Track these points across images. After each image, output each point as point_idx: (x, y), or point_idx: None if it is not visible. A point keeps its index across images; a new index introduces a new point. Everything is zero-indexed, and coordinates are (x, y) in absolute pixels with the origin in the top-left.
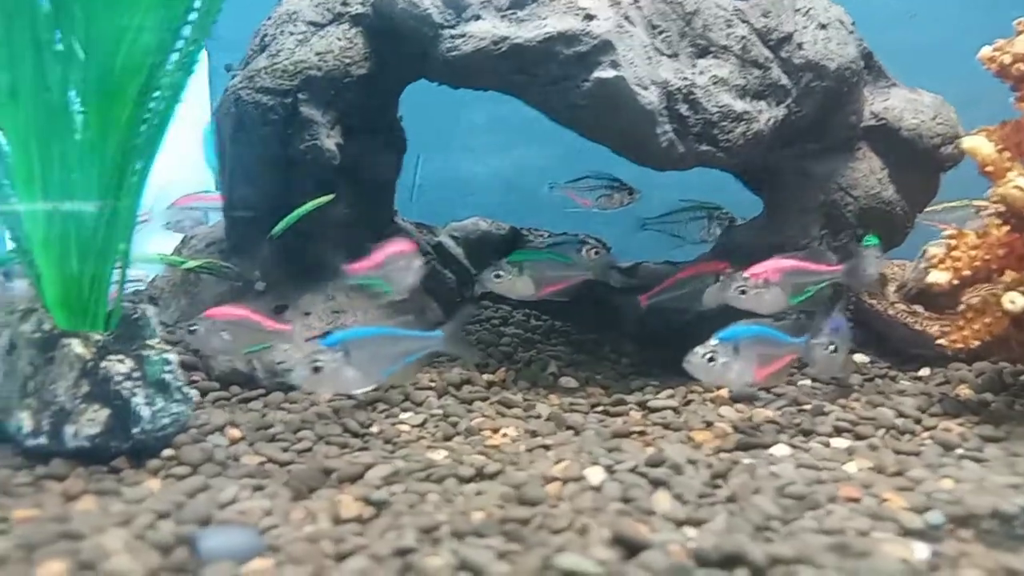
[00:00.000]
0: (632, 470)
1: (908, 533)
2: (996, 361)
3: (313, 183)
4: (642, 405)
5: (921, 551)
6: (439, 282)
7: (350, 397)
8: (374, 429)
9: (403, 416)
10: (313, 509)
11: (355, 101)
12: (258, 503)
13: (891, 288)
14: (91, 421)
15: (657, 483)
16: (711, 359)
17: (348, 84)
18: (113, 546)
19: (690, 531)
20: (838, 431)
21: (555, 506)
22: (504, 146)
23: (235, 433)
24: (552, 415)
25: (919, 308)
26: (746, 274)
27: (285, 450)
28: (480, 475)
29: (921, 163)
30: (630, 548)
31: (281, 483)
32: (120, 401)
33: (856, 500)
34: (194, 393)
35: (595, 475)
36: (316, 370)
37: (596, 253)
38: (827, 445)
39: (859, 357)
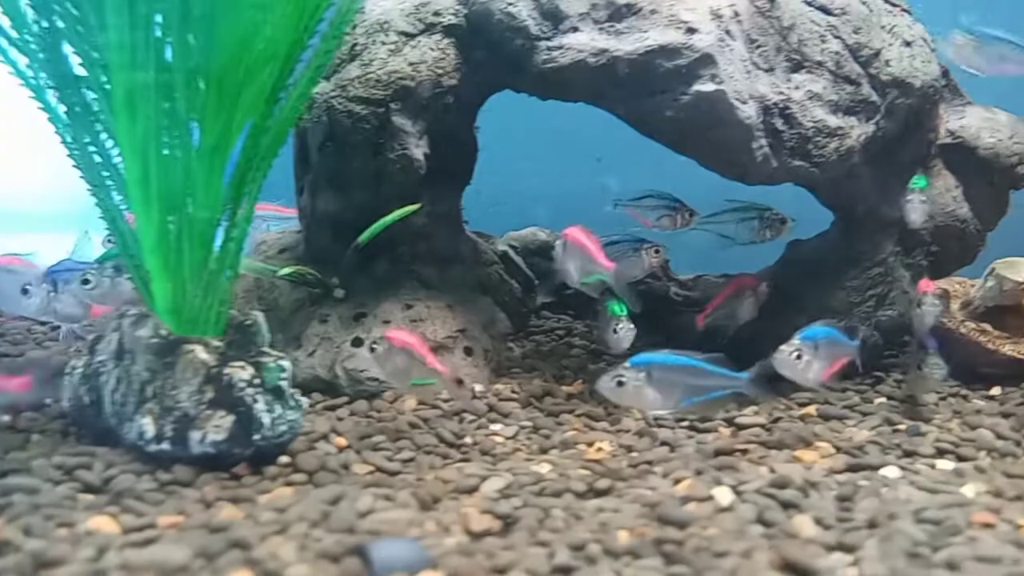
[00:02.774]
0: (758, 491)
1: None
2: None
3: (399, 192)
4: (729, 421)
5: None
6: (507, 292)
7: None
8: (468, 440)
9: (494, 427)
10: (444, 521)
11: (441, 111)
12: (396, 514)
13: (955, 305)
14: (217, 428)
15: (788, 505)
16: (798, 356)
17: (438, 94)
18: (287, 555)
19: (845, 557)
20: (940, 452)
21: (705, 528)
22: (527, 154)
23: (341, 441)
24: (641, 430)
25: (987, 326)
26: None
27: (390, 459)
28: (592, 491)
29: (995, 182)
30: (799, 574)
31: (407, 493)
32: (244, 408)
33: (991, 526)
34: (305, 400)
35: (723, 495)
36: (619, 384)
37: (656, 252)
38: (933, 467)
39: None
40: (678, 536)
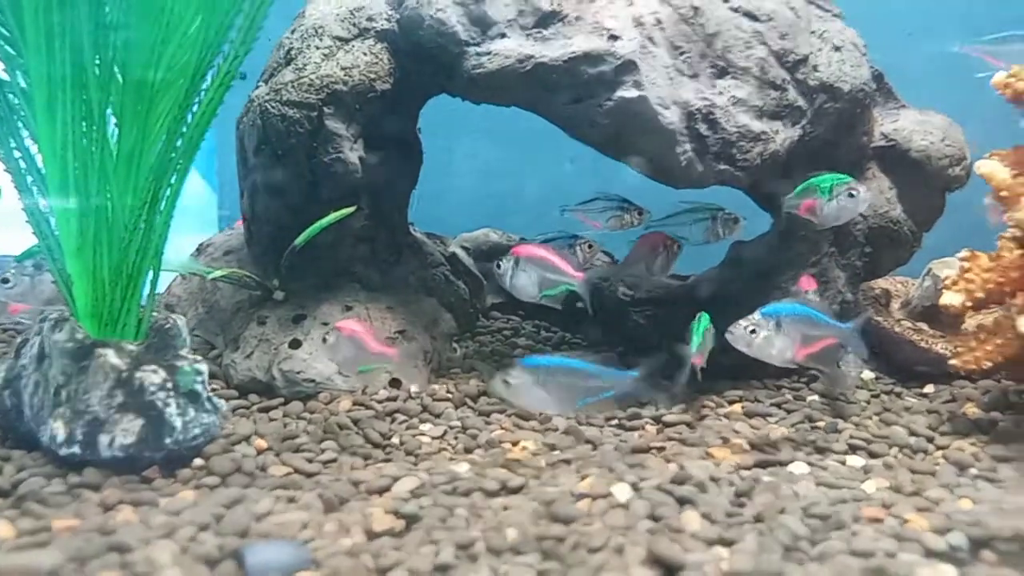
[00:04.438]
0: (657, 487)
1: (933, 555)
2: (1000, 379)
3: (335, 195)
4: (657, 419)
5: (950, 574)
6: (452, 293)
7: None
8: (395, 440)
9: (423, 427)
10: (346, 522)
11: (377, 115)
12: (294, 515)
13: (895, 305)
14: (125, 431)
15: (683, 501)
16: (753, 332)
17: (372, 99)
18: (162, 559)
19: (722, 551)
20: (853, 449)
21: (589, 524)
22: (483, 153)
23: (261, 443)
24: (569, 428)
25: (923, 326)
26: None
27: (311, 461)
28: (505, 489)
29: (929, 183)
30: (667, 568)
31: (313, 495)
32: (154, 411)
33: (879, 520)
34: (223, 403)
35: (621, 492)
36: (506, 384)
37: (590, 247)
38: (843, 463)
39: (866, 374)
40: (561, 532)
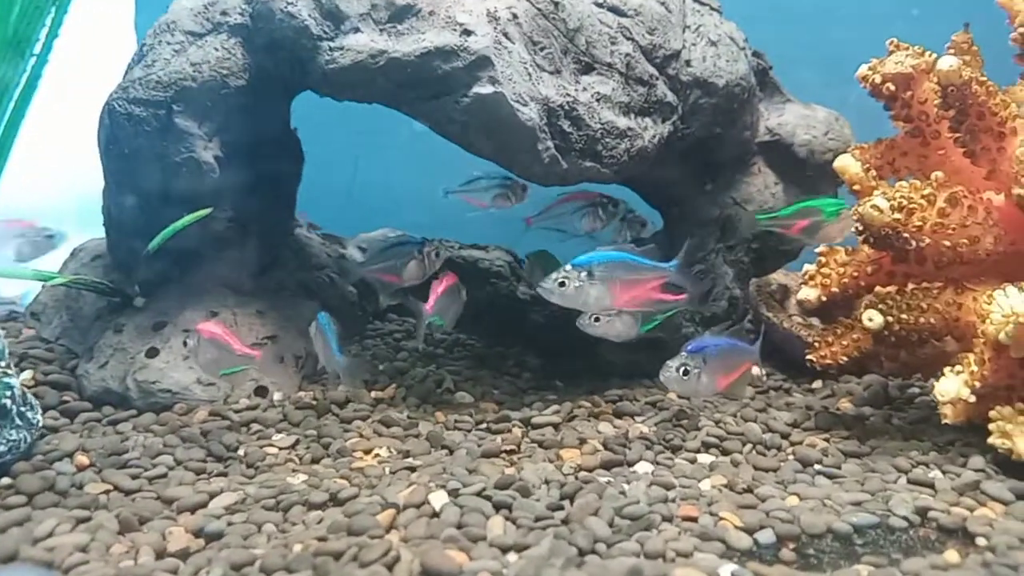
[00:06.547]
0: (478, 494)
1: (734, 553)
2: (886, 375)
3: (192, 196)
4: (526, 422)
5: (726, 573)
6: (336, 295)
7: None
8: (241, 452)
9: (275, 438)
10: (139, 542)
11: (236, 112)
12: (74, 538)
13: (792, 300)
14: None
15: (500, 506)
16: (561, 284)
17: (226, 95)
18: None
19: (512, 557)
20: (706, 447)
21: (378, 536)
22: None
23: (83, 460)
24: (431, 434)
25: (815, 321)
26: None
27: (135, 477)
28: (333, 501)
29: (814, 177)
30: None
31: (111, 514)
32: None
33: (694, 519)
34: (38, 418)
35: (438, 500)
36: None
37: (436, 255)
38: (693, 461)
39: (755, 370)
40: (343, 547)
